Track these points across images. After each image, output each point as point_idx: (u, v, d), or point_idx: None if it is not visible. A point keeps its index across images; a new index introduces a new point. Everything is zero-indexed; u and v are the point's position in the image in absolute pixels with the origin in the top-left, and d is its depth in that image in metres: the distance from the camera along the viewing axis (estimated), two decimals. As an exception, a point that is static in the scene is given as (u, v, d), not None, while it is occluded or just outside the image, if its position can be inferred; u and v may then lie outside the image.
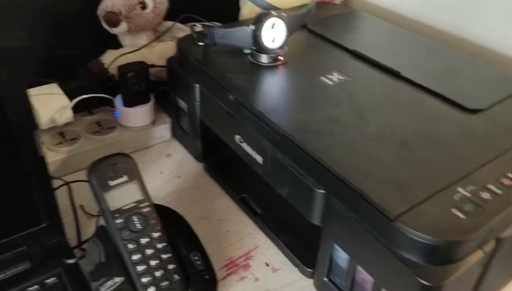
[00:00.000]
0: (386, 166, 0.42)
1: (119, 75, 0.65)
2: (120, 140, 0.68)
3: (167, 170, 0.68)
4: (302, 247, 0.53)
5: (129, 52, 0.68)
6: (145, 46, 0.69)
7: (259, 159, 0.51)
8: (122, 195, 0.49)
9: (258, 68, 0.58)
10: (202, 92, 0.60)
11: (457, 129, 0.47)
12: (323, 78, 0.55)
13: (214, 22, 0.69)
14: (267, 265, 0.54)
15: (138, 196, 0.49)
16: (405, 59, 0.61)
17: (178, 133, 0.72)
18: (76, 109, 0.70)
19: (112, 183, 0.48)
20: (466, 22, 0.72)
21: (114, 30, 0.68)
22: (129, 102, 0.68)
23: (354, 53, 0.61)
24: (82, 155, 0.65)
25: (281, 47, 0.59)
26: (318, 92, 0.53)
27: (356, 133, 0.46)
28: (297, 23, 0.62)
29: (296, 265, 0.53)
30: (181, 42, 0.64)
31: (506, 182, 0.40)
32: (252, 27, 0.56)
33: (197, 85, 0.60)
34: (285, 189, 0.49)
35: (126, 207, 0.48)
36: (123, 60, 0.68)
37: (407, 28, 0.71)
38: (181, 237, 0.52)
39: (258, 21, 0.56)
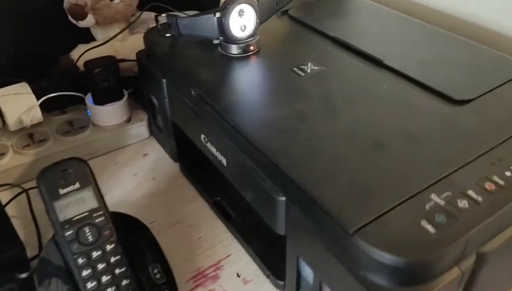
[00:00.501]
0: (352, 169, 0.37)
1: (86, 72, 0.61)
2: (92, 141, 0.65)
3: (142, 172, 0.64)
4: (275, 256, 0.48)
5: (97, 46, 0.64)
6: (111, 39, 0.64)
7: (223, 160, 0.47)
8: (73, 204, 0.45)
9: (227, 60, 0.53)
10: (169, 88, 0.55)
11: (440, 124, 0.41)
12: (295, 69, 0.50)
13: (185, 12, 0.64)
14: (238, 275, 0.50)
15: (92, 204, 0.45)
16: (392, 46, 0.55)
17: (155, 131, 0.68)
18: (49, 108, 0.67)
19: (62, 191, 0.45)
20: (467, 2, 0.65)
21: (81, 24, 0.63)
22: (100, 100, 0.64)
23: (335, 41, 0.56)
24: (49, 157, 0.61)
25: (252, 36, 0.54)
26: (288, 85, 0.48)
27: (323, 132, 0.41)
28: (272, 9, 0.57)
29: (267, 276, 0.48)
30: (148, 34, 0.59)
31: (489, 186, 0.34)
32: (218, 15, 0.51)
33: (164, 80, 0.56)
34: (249, 194, 0.44)
35: (78, 217, 0.44)
36: (92, 55, 0.64)
37: (407, 12, 0.64)
38: (141, 248, 0.48)
39: (224, 8, 0.51)
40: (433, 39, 0.56)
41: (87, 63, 0.60)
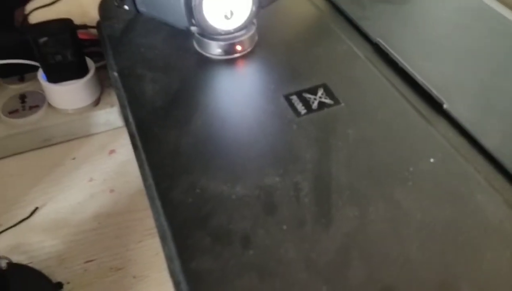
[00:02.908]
0: None
1: (30, 40, 0.45)
2: (46, 126, 0.50)
3: (100, 177, 0.49)
4: None
5: (54, 2, 0.47)
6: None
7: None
8: None
9: (196, 64, 0.34)
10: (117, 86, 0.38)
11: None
12: (294, 98, 0.31)
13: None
14: None
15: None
16: (471, 73, 0.33)
17: (128, 121, 0.52)
18: (4, 73, 0.53)
19: None
20: None
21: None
22: (53, 76, 0.48)
23: (377, 48, 0.35)
24: (-16, 145, 0.48)
25: (242, 28, 0.34)
26: (267, 131, 0.29)
27: (291, 254, 0.23)
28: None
29: None
30: (104, 2, 0.41)
31: None
32: (187, -8, 0.32)
33: (115, 74, 0.38)
34: None
35: None
36: (50, 14, 0.47)
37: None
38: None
39: (197, -17, 0.32)
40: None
41: (30, 30, 0.44)
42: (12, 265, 0.36)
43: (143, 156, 0.30)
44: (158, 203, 0.27)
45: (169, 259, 0.26)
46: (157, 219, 0.28)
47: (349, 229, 0.24)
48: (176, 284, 0.25)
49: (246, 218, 0.25)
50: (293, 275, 0.23)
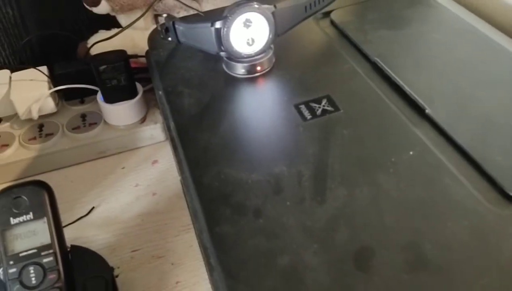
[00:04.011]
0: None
1: (91, 68, 0.54)
2: (101, 140, 0.59)
3: (145, 183, 0.57)
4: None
5: (110, 37, 0.56)
6: (123, 30, 0.56)
7: (193, 214, 0.38)
8: (23, 237, 0.40)
9: (225, 82, 0.42)
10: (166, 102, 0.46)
11: (469, 235, 0.27)
12: (302, 107, 0.38)
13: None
14: None
15: (43, 239, 0.40)
16: (454, 86, 0.39)
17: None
18: (68, 97, 0.63)
19: (14, 220, 0.40)
20: None
21: (95, 10, 0.56)
22: (108, 98, 0.57)
23: (374, 66, 0.42)
24: (51, 155, 0.57)
25: (262, 52, 0.42)
26: (279, 133, 0.36)
27: (295, 221, 0.30)
28: (297, 16, 0.44)
29: None
30: (152, 35, 0.50)
31: None
32: (217, 25, 0.40)
33: (160, 93, 0.47)
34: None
35: (24, 254, 0.39)
36: (107, 46, 0.57)
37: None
38: (93, 295, 0.42)
39: (225, 17, 0.40)
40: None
41: (91, 59, 0.54)
42: (73, 247, 0.44)
43: (181, 154, 0.38)
44: (192, 188, 0.34)
45: (199, 231, 0.33)
46: (190, 201, 0.35)
47: (338, 204, 0.31)
48: (205, 249, 0.32)
49: (258, 197, 0.32)
50: (292, 237, 0.29)
